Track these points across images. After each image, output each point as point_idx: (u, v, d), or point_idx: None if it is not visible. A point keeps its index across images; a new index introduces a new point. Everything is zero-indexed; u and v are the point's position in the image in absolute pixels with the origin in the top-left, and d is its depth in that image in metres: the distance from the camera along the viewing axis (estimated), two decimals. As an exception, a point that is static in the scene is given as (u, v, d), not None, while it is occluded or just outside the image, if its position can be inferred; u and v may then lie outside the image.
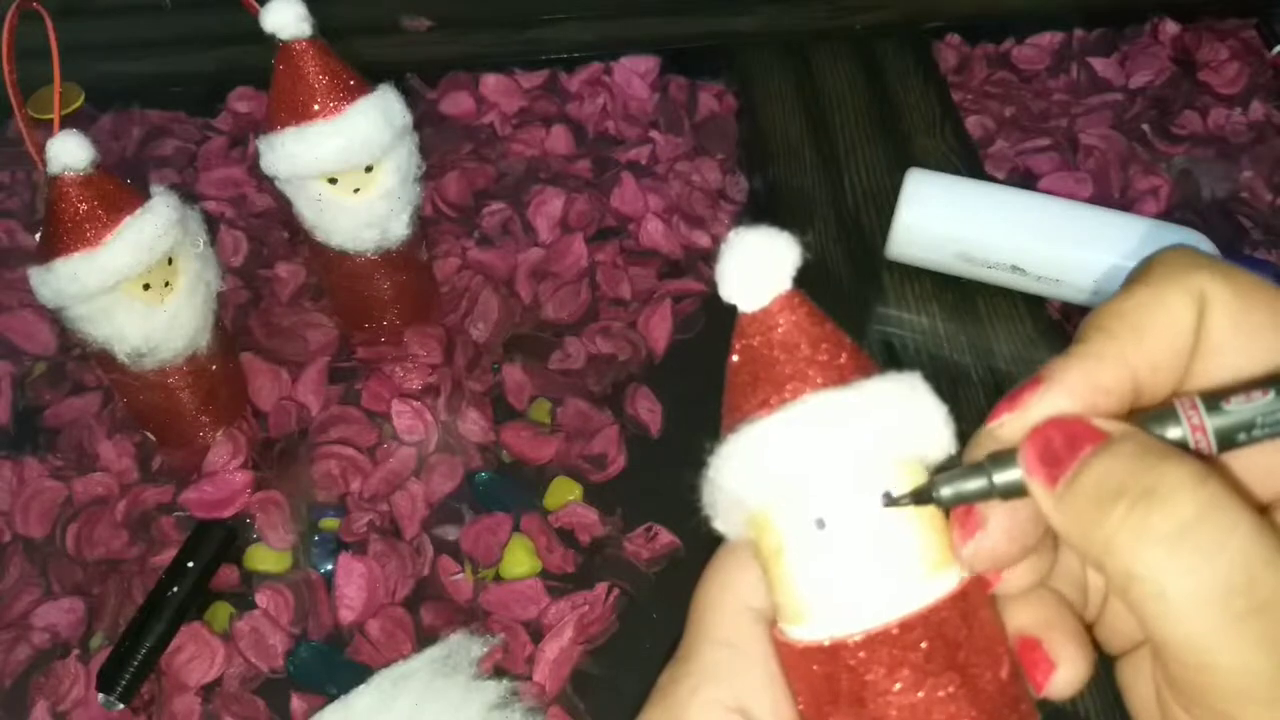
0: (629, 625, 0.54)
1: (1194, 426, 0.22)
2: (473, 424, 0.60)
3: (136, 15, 0.82)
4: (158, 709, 0.51)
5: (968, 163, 0.71)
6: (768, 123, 0.74)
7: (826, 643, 0.24)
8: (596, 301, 0.65)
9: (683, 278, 0.66)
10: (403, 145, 0.55)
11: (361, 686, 0.51)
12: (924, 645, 0.23)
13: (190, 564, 0.53)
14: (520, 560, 0.55)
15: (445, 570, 0.55)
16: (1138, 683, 0.26)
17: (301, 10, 0.50)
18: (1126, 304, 0.24)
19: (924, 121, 0.74)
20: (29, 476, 0.58)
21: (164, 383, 0.55)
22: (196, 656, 0.52)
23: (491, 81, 0.77)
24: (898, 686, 0.23)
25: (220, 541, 0.55)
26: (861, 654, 0.23)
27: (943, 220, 0.62)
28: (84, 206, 0.49)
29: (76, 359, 0.63)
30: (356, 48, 0.56)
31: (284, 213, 0.62)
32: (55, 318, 0.53)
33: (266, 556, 0.56)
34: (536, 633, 0.53)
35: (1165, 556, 0.20)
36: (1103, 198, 0.70)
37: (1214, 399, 0.23)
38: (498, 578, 0.55)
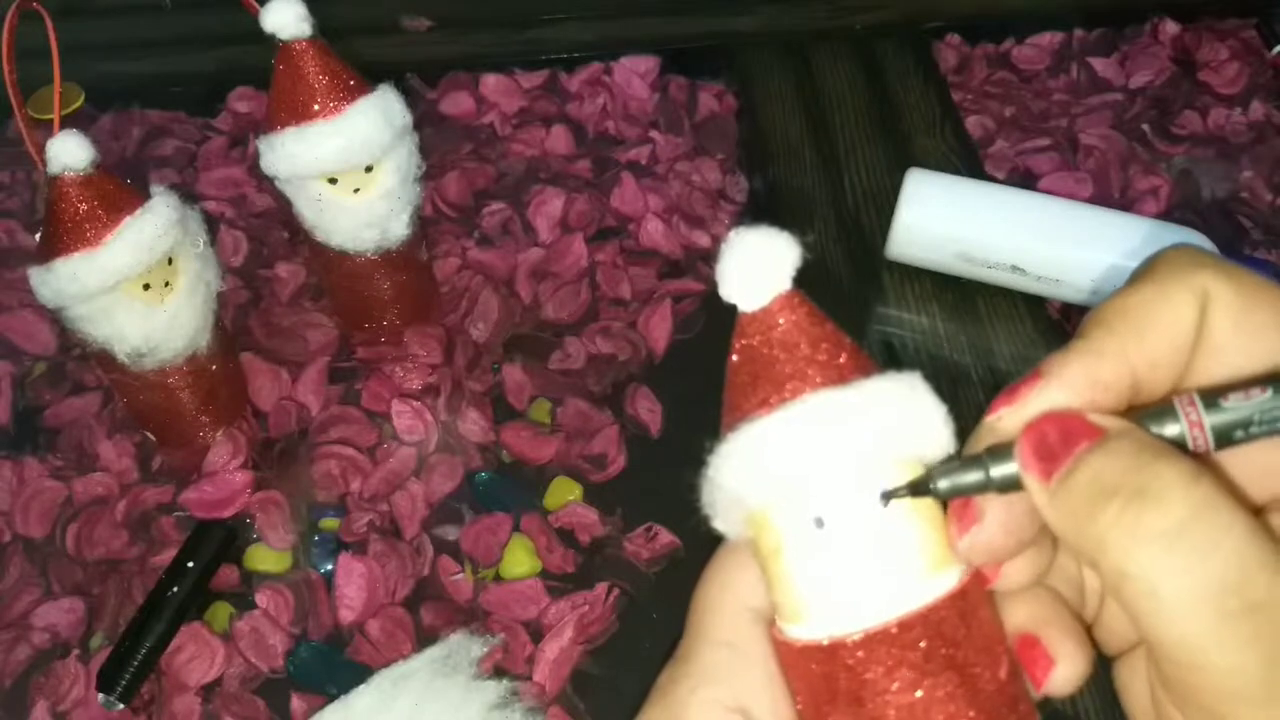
0: (629, 625, 0.54)
1: (1192, 423, 0.23)
2: (473, 424, 0.60)
3: (136, 15, 0.82)
4: (158, 709, 0.51)
5: (968, 163, 0.71)
6: (768, 123, 0.74)
7: (825, 642, 0.24)
8: (596, 301, 0.65)
9: (683, 278, 0.66)
10: (403, 145, 0.55)
11: (361, 686, 0.51)
12: (923, 644, 0.23)
13: (190, 564, 0.53)
14: (520, 560, 0.55)
15: (445, 570, 0.55)
16: (1134, 683, 0.26)
17: (301, 10, 0.50)
18: (1129, 301, 0.24)
19: (924, 121, 0.74)
20: (29, 476, 0.58)
21: (164, 383, 0.55)
22: (196, 656, 0.52)
23: (491, 81, 0.77)
24: (896, 686, 0.23)
25: (220, 541, 0.55)
26: (860, 653, 0.23)
27: (943, 220, 0.62)
28: (84, 206, 0.49)
29: (76, 359, 0.63)
30: (356, 48, 0.56)
31: (284, 213, 0.62)
32: (55, 318, 0.53)
33: (266, 556, 0.56)
34: (536, 633, 0.53)
35: (1158, 556, 0.20)
36: (1103, 198, 0.70)
37: (1212, 396, 0.23)
38: (498, 578, 0.55)
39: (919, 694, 0.23)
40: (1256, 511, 0.24)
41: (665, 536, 0.56)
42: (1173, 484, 0.21)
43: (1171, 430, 0.23)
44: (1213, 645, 0.20)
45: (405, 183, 0.56)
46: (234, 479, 0.58)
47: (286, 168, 0.53)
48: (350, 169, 0.54)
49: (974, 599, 0.24)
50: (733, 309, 0.25)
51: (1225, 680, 0.20)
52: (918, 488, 0.24)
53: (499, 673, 0.52)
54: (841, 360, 0.24)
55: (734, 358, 0.25)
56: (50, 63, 0.50)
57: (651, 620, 0.54)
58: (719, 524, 0.26)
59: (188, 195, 0.58)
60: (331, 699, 0.51)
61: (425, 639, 0.53)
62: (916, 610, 0.23)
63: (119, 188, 0.50)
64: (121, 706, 0.50)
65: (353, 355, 0.63)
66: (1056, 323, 0.64)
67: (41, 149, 0.48)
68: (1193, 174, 0.72)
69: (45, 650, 0.53)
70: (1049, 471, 0.22)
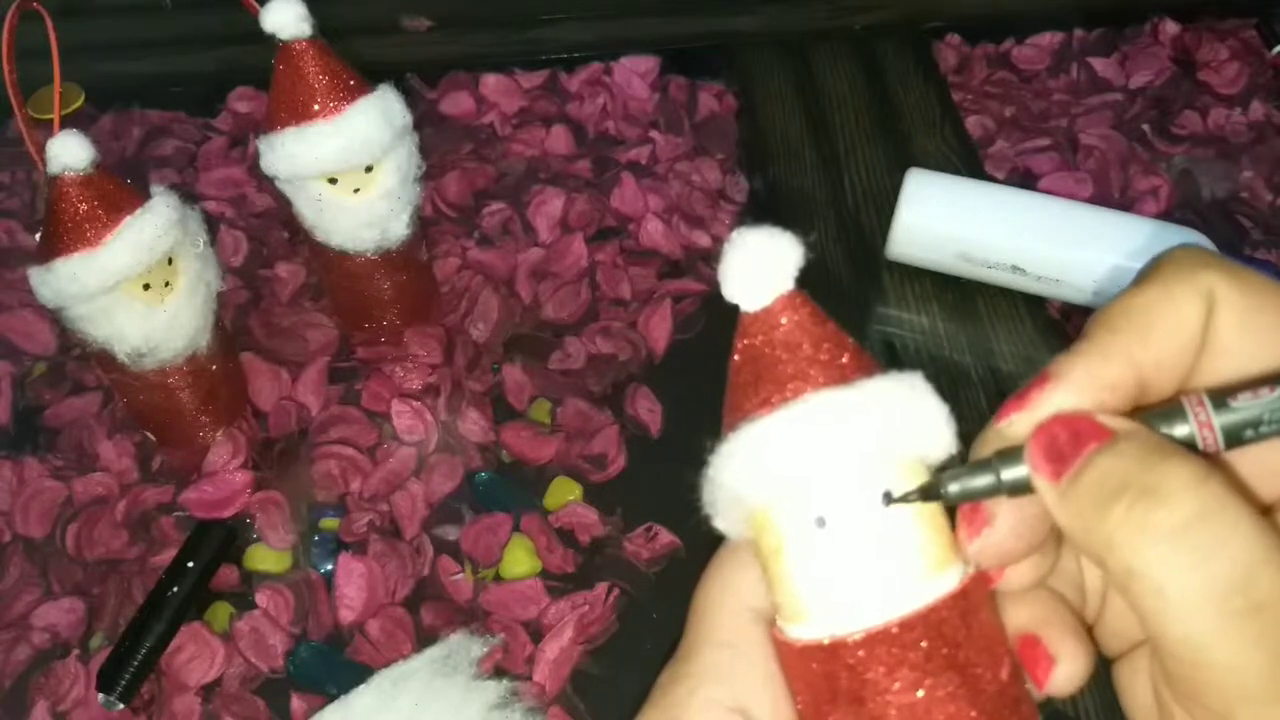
0: (629, 625, 0.54)
1: (1201, 423, 0.23)
2: (473, 424, 0.60)
3: (136, 15, 0.82)
4: (158, 709, 0.51)
5: (968, 163, 0.71)
6: (768, 123, 0.74)
7: (826, 641, 0.24)
8: (596, 301, 0.65)
9: (683, 278, 0.66)
10: (403, 145, 0.55)
11: (361, 686, 0.51)
12: (924, 645, 0.23)
13: (190, 564, 0.53)
14: (520, 560, 0.55)
15: (445, 570, 0.55)
16: (1135, 684, 0.26)
17: (301, 10, 0.50)
18: (1134, 301, 0.24)
19: (924, 121, 0.74)
20: (29, 476, 0.58)
21: (164, 383, 0.55)
22: (196, 656, 0.52)
23: (491, 81, 0.77)
24: (897, 686, 0.23)
25: (220, 541, 0.55)
26: (861, 653, 0.23)
27: (943, 220, 0.62)
28: (84, 206, 0.49)
29: (76, 359, 0.63)
30: (356, 48, 0.56)
31: (284, 213, 0.62)
32: (55, 318, 0.53)
33: (266, 556, 0.56)
34: (536, 633, 0.53)
35: (1165, 554, 0.20)
36: (1103, 198, 0.70)
37: (1221, 396, 0.23)
38: (498, 578, 0.55)
39: (920, 694, 0.23)
40: (1265, 511, 0.24)
41: (665, 536, 0.56)
42: (1181, 483, 0.21)
43: (1181, 430, 0.23)
44: (1218, 644, 0.20)
45: (405, 183, 0.56)
46: (234, 479, 0.58)
47: (286, 168, 0.53)
48: (350, 169, 0.54)
49: (975, 599, 0.24)
50: (733, 309, 0.25)
51: (1230, 679, 0.20)
52: (927, 492, 0.24)
53: (499, 673, 0.52)
54: (844, 360, 0.24)
55: (736, 357, 0.25)
56: (50, 63, 0.50)
57: (651, 620, 0.54)
58: (720, 523, 0.26)
59: (188, 195, 0.58)
60: (331, 699, 0.51)
61: (425, 639, 0.53)
62: (918, 610, 0.23)
63: (119, 188, 0.50)
64: (121, 706, 0.50)
65: (353, 355, 0.63)
66: (1056, 323, 0.64)
67: (41, 149, 0.48)
68: (1193, 174, 0.72)
69: (45, 650, 0.53)
70: (1059, 472, 0.22)
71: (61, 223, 0.49)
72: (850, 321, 0.63)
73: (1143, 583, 0.21)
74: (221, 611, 0.54)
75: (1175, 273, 0.24)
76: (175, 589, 0.53)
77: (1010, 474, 0.23)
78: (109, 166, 0.50)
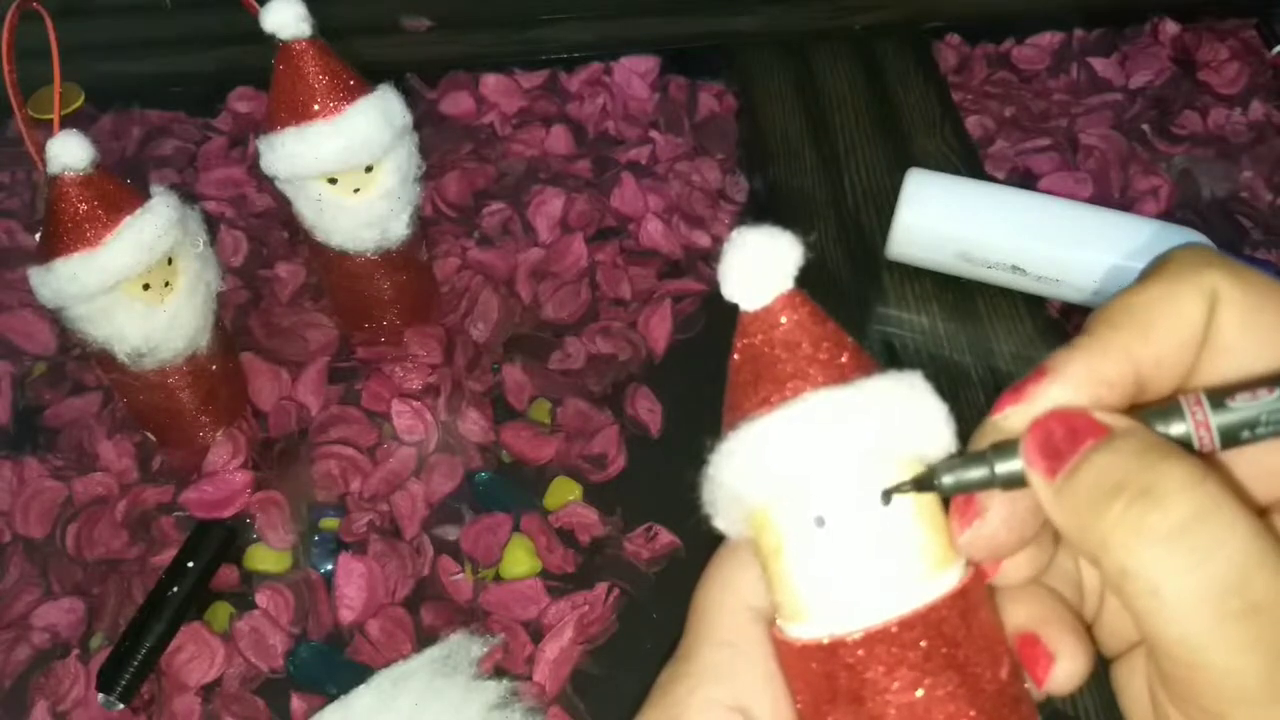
0: (629, 625, 0.54)
1: (1198, 422, 0.23)
2: (473, 424, 0.60)
3: (136, 15, 0.82)
4: (158, 709, 0.51)
5: (968, 163, 0.71)
6: (768, 123, 0.74)
7: (825, 640, 0.24)
8: (596, 301, 0.65)
9: (683, 278, 0.66)
10: (403, 145, 0.55)
11: (361, 686, 0.51)
12: (923, 644, 0.23)
13: (190, 564, 0.53)
14: (520, 560, 0.55)
15: (445, 570, 0.55)
16: (1132, 684, 0.26)
17: (301, 10, 0.50)
18: (1136, 299, 0.24)
19: (924, 121, 0.74)
20: (29, 476, 0.58)
21: (164, 383, 0.55)
22: (196, 656, 0.52)
23: (491, 81, 0.77)
24: (896, 685, 0.23)
25: (220, 541, 0.55)
26: (860, 652, 0.23)
27: (943, 220, 0.62)
28: (84, 206, 0.49)
29: (76, 359, 0.63)
30: (356, 48, 0.56)
31: (284, 213, 0.62)
32: (55, 318, 0.53)
33: (266, 556, 0.56)
34: (536, 633, 0.53)
35: (1161, 555, 0.20)
36: (1103, 198, 0.70)
37: (1219, 396, 0.23)
38: (498, 578, 0.55)
39: (919, 693, 0.23)
40: (1261, 512, 0.24)
41: (665, 536, 0.56)
42: (1177, 484, 0.21)
43: (1177, 429, 0.23)
44: (1213, 645, 0.20)
45: (405, 183, 0.56)
46: (234, 479, 0.58)
47: (286, 168, 0.53)
48: (350, 169, 0.54)
49: (974, 599, 0.24)
50: (733, 309, 0.25)
51: (1225, 680, 0.20)
52: (922, 483, 0.24)
53: (499, 673, 0.52)
54: (843, 360, 0.24)
55: (735, 357, 0.25)
56: (50, 63, 0.50)
57: (651, 620, 0.54)
58: (720, 523, 0.26)
59: (188, 195, 0.58)
60: (331, 699, 0.51)
61: (425, 639, 0.53)
62: (917, 610, 0.23)
63: (119, 188, 0.50)
64: (121, 706, 0.50)
65: (353, 355, 0.63)
66: (1056, 323, 0.64)
67: (41, 149, 0.48)
68: (1193, 174, 0.72)
69: (45, 650, 0.53)
70: (1054, 469, 0.22)
71: (61, 223, 0.49)
72: (850, 321, 0.63)
73: (1138, 583, 0.21)
74: (221, 611, 0.54)
75: (1178, 271, 0.24)
76: (175, 589, 0.53)
77: (1005, 467, 0.23)
78: (109, 166, 0.50)
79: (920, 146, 0.72)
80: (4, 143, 0.74)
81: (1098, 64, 0.78)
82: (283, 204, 0.57)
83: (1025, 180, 0.71)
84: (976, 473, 0.24)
